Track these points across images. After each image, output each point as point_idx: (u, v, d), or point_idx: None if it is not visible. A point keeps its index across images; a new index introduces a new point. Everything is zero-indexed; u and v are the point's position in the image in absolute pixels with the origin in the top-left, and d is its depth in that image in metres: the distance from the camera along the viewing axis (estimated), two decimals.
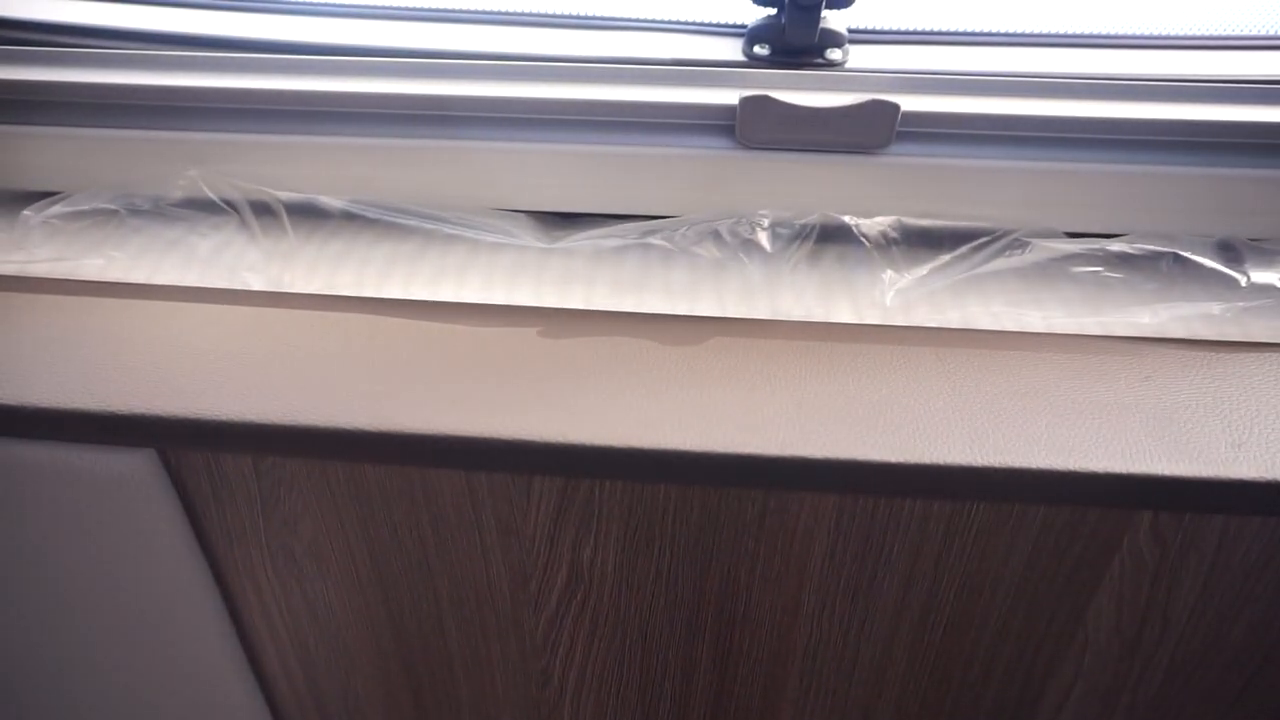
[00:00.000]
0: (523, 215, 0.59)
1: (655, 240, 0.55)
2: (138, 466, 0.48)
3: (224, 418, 0.45)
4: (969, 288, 0.54)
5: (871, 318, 0.53)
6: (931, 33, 0.59)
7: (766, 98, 0.51)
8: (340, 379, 0.48)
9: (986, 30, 0.58)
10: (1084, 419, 0.46)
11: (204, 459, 0.49)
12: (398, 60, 0.55)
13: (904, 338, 0.51)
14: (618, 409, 0.46)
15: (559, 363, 0.49)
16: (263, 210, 0.58)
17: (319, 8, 0.61)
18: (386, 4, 0.60)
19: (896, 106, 0.51)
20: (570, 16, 0.60)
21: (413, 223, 0.57)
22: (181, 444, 0.47)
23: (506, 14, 0.60)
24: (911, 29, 0.59)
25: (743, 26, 0.59)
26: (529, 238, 0.57)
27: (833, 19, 0.57)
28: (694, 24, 0.60)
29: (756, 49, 0.57)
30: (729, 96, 0.53)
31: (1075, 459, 0.43)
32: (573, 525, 0.49)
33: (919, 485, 0.43)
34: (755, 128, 0.53)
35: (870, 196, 0.55)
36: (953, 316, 0.53)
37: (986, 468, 0.43)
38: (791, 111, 0.52)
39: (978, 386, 0.48)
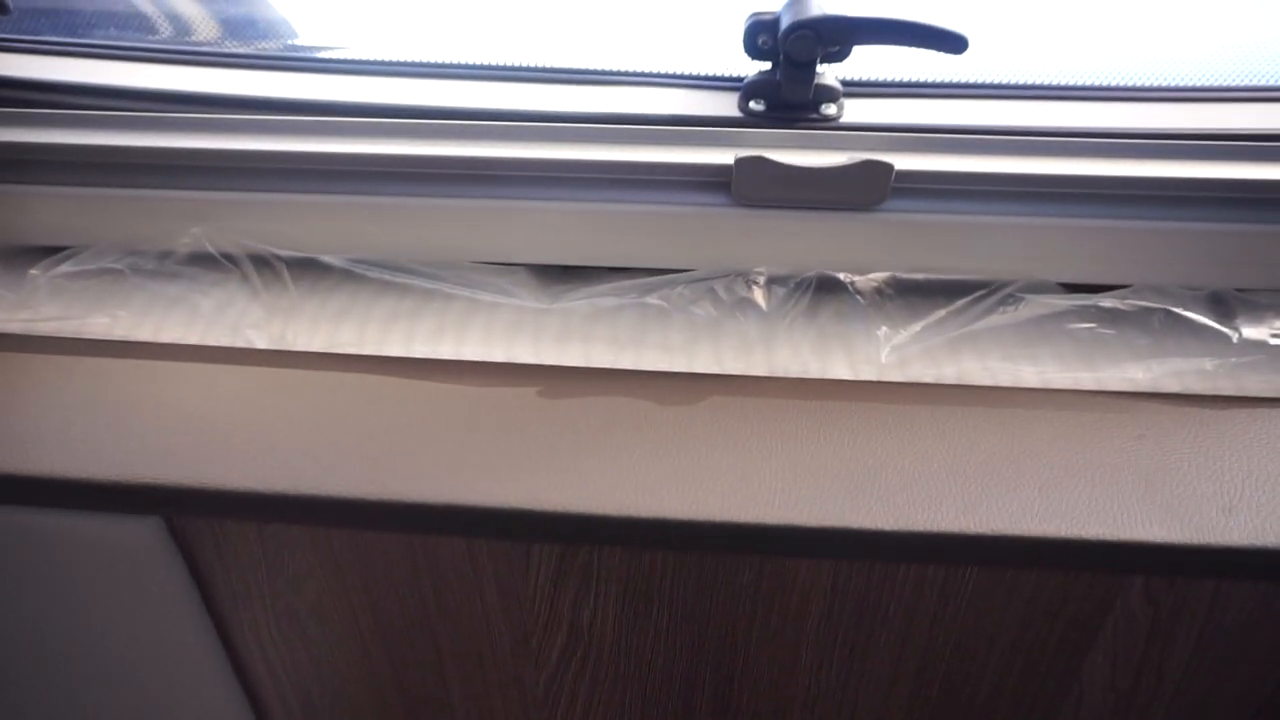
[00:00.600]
0: (521, 270, 0.60)
1: (652, 299, 0.55)
2: (144, 533, 0.49)
3: (228, 487, 0.45)
4: (964, 343, 0.54)
5: (867, 374, 0.53)
6: (925, 85, 0.59)
7: (761, 159, 0.52)
8: (342, 443, 0.48)
9: (980, 82, 0.59)
10: (1077, 481, 0.46)
11: (209, 525, 0.49)
12: (394, 121, 0.56)
13: (899, 395, 0.52)
14: (615, 474, 0.46)
15: (557, 423, 0.50)
16: (264, 267, 0.59)
17: (317, 64, 0.61)
18: (383, 60, 0.60)
19: (890, 166, 0.52)
20: (565, 71, 0.60)
21: (412, 281, 0.58)
22: (187, 512, 0.48)
23: (501, 69, 0.60)
24: (905, 80, 0.60)
25: (739, 80, 0.59)
26: (527, 295, 0.57)
27: (828, 73, 0.58)
28: (690, 78, 0.60)
29: (752, 105, 0.58)
30: (725, 156, 0.54)
31: (1068, 525, 0.43)
32: (572, 588, 0.49)
33: (914, 552, 0.44)
34: (751, 187, 0.54)
35: (865, 253, 0.55)
36: (948, 372, 0.53)
37: (981, 535, 0.43)
38: (786, 171, 0.52)
39: (972, 447, 0.48)
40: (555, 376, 0.53)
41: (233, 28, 0.63)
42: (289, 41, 0.62)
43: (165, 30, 0.62)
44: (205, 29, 0.63)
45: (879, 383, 0.53)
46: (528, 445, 0.48)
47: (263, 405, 0.51)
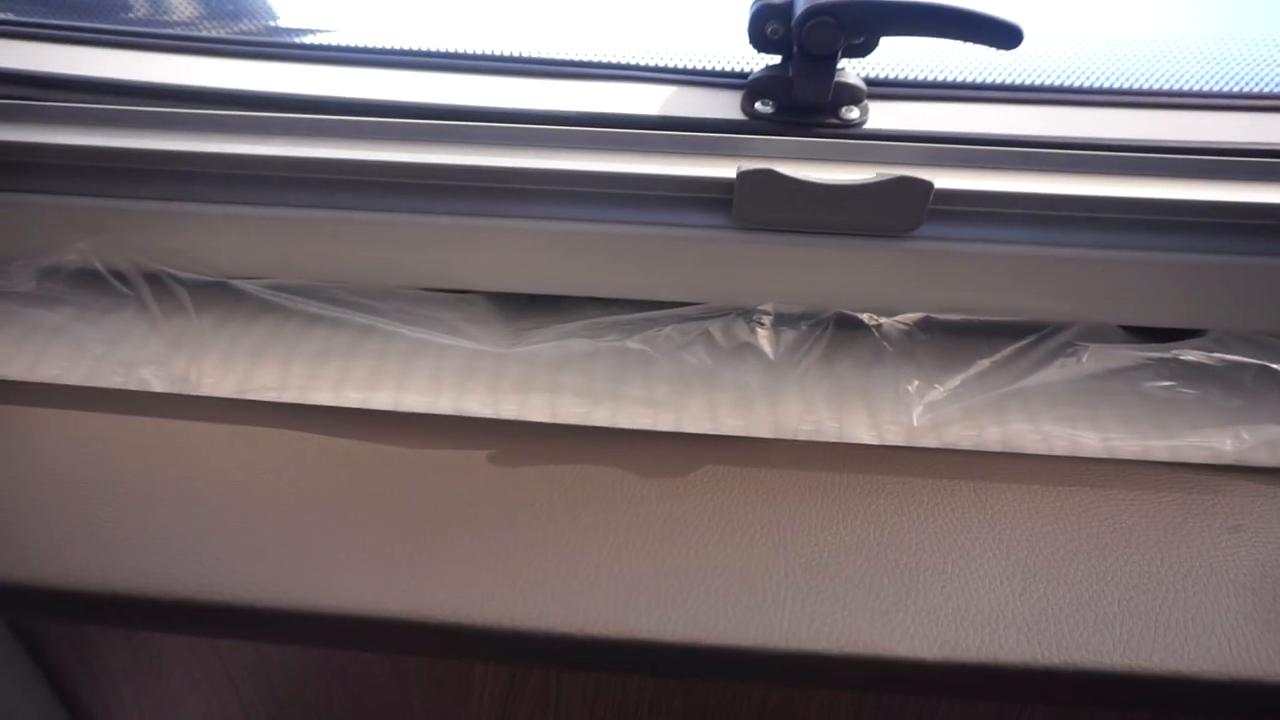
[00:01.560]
0: (478, 300, 0.50)
1: (633, 343, 0.45)
2: None
3: (85, 587, 0.35)
4: (1012, 401, 0.44)
5: (894, 438, 0.44)
6: (966, 86, 0.50)
7: (770, 172, 0.42)
8: (238, 526, 0.38)
9: (1033, 84, 0.49)
10: (1163, 589, 0.37)
11: (66, 629, 0.39)
12: (324, 119, 0.46)
13: (935, 466, 0.42)
14: (581, 574, 0.36)
15: (512, 499, 0.40)
16: (165, 292, 0.49)
17: (234, 47, 0.51)
18: (316, 45, 0.50)
19: (929, 185, 0.42)
20: (531, 62, 0.50)
21: (345, 314, 0.48)
22: (32, 613, 0.38)
23: (454, 58, 0.50)
24: (941, 80, 0.50)
25: (742, 76, 0.50)
26: (484, 334, 0.47)
27: (849, 69, 0.48)
28: (682, 72, 0.50)
29: (759, 106, 0.48)
30: (725, 168, 0.44)
31: (1160, 656, 0.34)
32: (524, 714, 0.40)
33: (960, 687, 0.34)
34: (756, 206, 0.44)
35: (894, 289, 0.46)
36: (992, 435, 0.44)
37: (1048, 669, 0.33)
38: (800, 189, 0.43)
39: (1030, 541, 0.39)
40: (513, 435, 0.44)
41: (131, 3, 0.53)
42: (204, 19, 0.52)
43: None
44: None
45: (910, 449, 0.43)
46: (472, 533, 0.38)
47: (148, 467, 0.41)
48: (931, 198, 0.43)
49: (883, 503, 0.40)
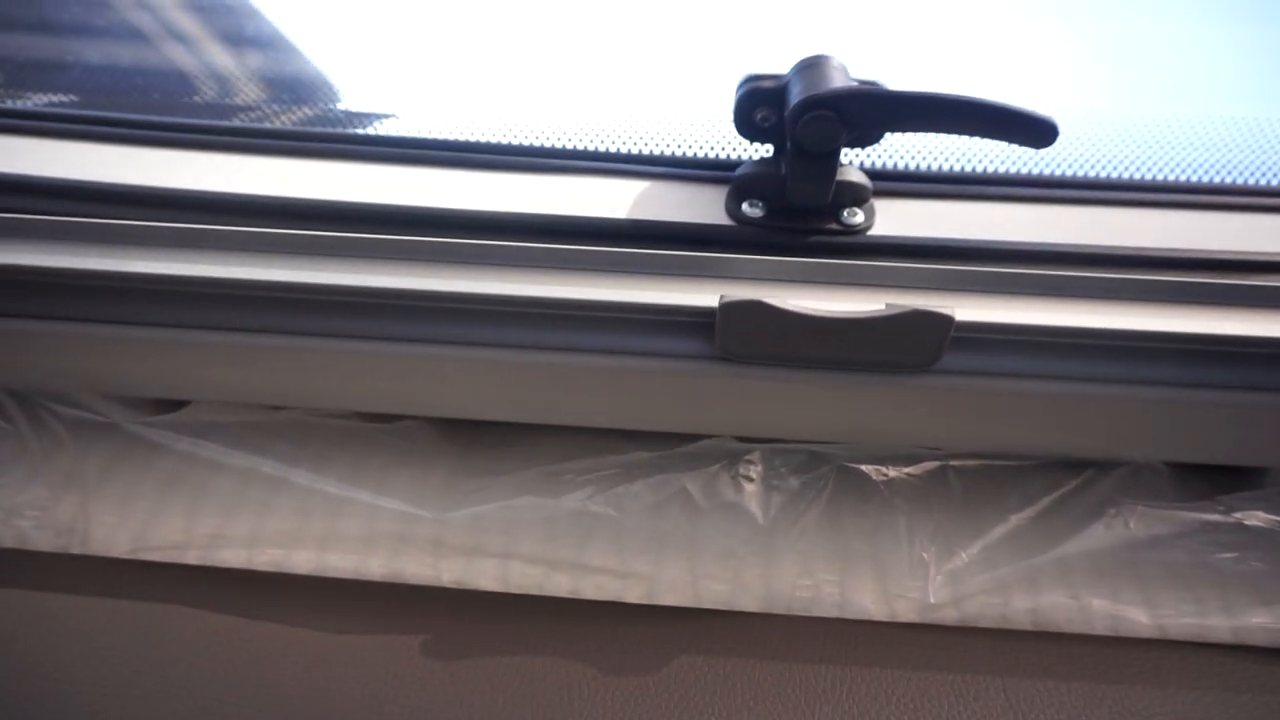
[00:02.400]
0: (416, 425, 0.43)
1: (596, 505, 0.38)
2: None
3: None
4: (1047, 569, 0.38)
5: (907, 613, 0.37)
6: (983, 180, 0.43)
7: (758, 304, 0.35)
8: None
9: (1062, 178, 0.42)
10: None
11: None
12: (223, 228, 0.38)
13: (955, 654, 0.35)
14: None
15: (445, 692, 0.33)
16: (42, 426, 0.42)
17: (130, 131, 0.43)
18: (201, 126, 0.43)
19: (949, 320, 0.35)
20: (483, 149, 0.43)
21: (257, 463, 0.41)
22: None
23: (388, 143, 0.43)
24: (956, 173, 0.43)
25: (728, 168, 0.43)
26: (419, 484, 0.40)
27: (850, 162, 0.41)
28: (659, 161, 0.44)
29: (746, 208, 0.41)
30: (705, 294, 0.37)
31: None
32: None
33: None
34: (742, 338, 0.37)
35: (904, 432, 0.39)
36: (1021, 609, 0.37)
37: None
38: (795, 322, 0.35)
39: None
40: (454, 607, 0.37)
41: None
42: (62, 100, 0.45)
43: None
44: None
45: (925, 626, 0.37)
46: None
47: (18, 658, 0.34)
48: (952, 330, 0.36)
49: (894, 696, 0.33)
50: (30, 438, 0.41)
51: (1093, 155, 0.44)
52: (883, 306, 0.36)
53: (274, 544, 0.39)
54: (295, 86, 0.47)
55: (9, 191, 0.42)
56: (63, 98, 0.47)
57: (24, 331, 0.40)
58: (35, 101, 0.46)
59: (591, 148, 0.44)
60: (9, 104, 0.46)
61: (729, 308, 0.35)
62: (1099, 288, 0.37)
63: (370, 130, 0.44)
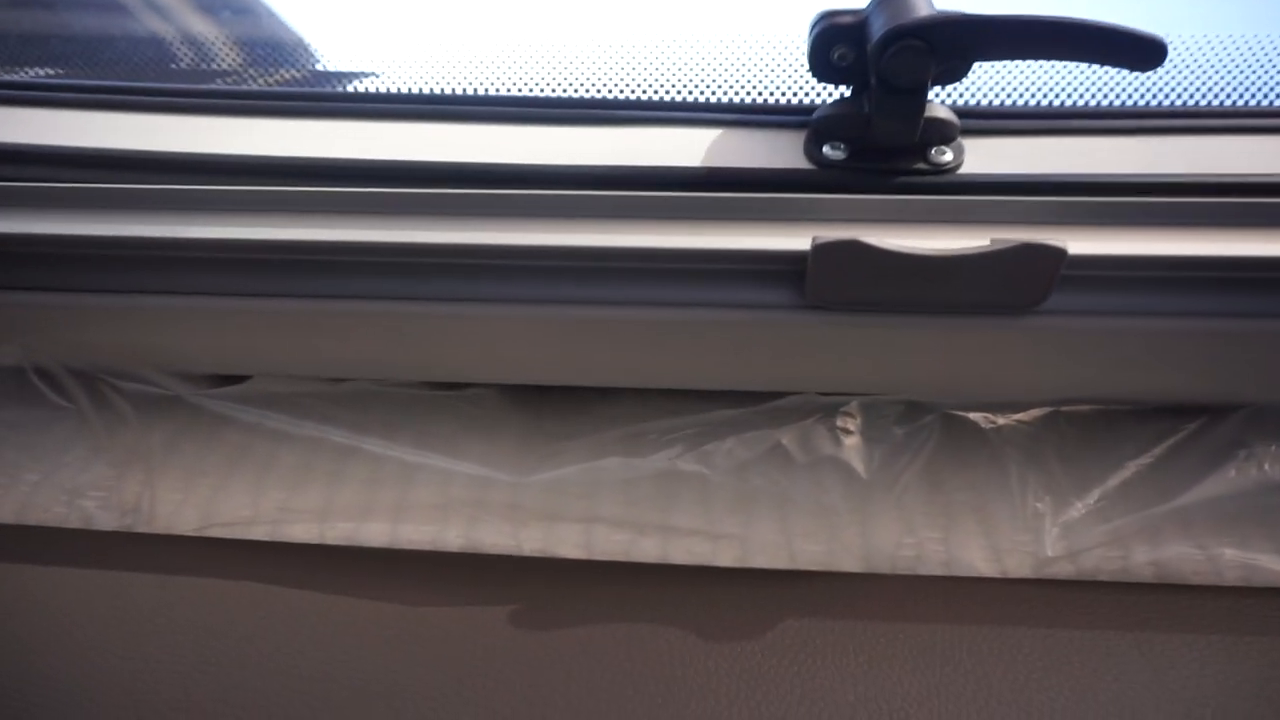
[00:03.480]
0: (487, 393, 0.41)
1: (684, 464, 0.36)
2: None
3: None
4: (1168, 518, 0.35)
5: (1020, 568, 0.35)
6: (1079, 114, 0.40)
7: (854, 244, 0.33)
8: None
9: (1169, 108, 0.40)
10: None
11: None
12: (290, 189, 0.37)
13: (1076, 610, 0.33)
14: None
15: (531, 667, 0.31)
16: (105, 403, 0.40)
17: (190, 100, 0.42)
18: (267, 93, 0.41)
19: (1061, 252, 0.33)
20: (550, 104, 0.41)
21: (325, 432, 0.39)
22: None
23: (460, 102, 0.41)
24: (1048, 108, 0.41)
25: (805, 112, 0.40)
26: (494, 448, 0.38)
27: (937, 99, 0.39)
28: (729, 109, 0.41)
29: (828, 150, 0.39)
30: (794, 238, 0.35)
31: None
32: None
33: None
34: (835, 283, 0.35)
35: (1012, 378, 0.36)
36: (1142, 561, 0.34)
37: None
38: (893, 262, 0.33)
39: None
40: (536, 576, 0.35)
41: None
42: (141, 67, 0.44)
43: None
44: None
45: (1041, 583, 0.34)
46: (489, 709, 0.29)
47: (81, 645, 0.33)
48: (1063, 266, 0.33)
49: (1017, 666, 0.31)
50: (92, 416, 0.40)
51: (1188, 83, 0.41)
52: (987, 243, 0.33)
53: (345, 517, 0.37)
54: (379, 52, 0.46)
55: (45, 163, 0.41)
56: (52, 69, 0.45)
57: (82, 306, 0.39)
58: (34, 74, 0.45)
59: (661, 98, 0.42)
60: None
61: (822, 249, 0.33)
62: (1218, 214, 0.34)
63: (437, 90, 0.42)
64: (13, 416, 0.41)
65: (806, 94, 0.42)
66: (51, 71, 0.45)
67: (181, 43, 0.47)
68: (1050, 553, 0.34)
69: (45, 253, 0.38)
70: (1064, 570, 0.34)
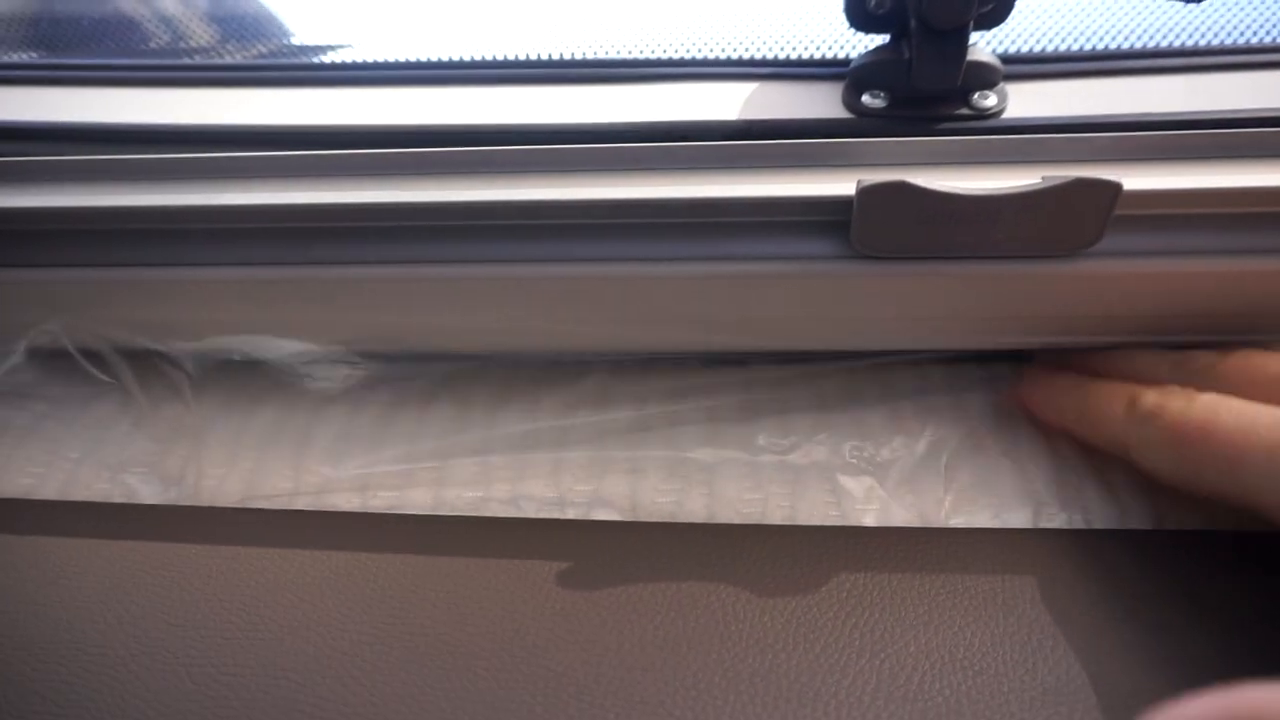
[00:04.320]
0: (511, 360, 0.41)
1: (728, 428, 0.35)
2: None
3: None
4: None
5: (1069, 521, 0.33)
6: (1127, 55, 0.39)
7: (903, 185, 0.32)
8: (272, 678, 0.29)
9: (1221, 46, 0.39)
10: None
11: None
12: (313, 153, 0.36)
13: (1145, 559, 0.32)
14: None
15: (574, 638, 0.31)
16: (154, 376, 0.40)
17: (234, 74, 0.42)
18: (328, 63, 0.41)
19: (1116, 187, 0.32)
20: (578, 65, 0.41)
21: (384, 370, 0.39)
22: None
23: (498, 66, 0.41)
24: (1094, 50, 0.40)
25: (842, 64, 0.40)
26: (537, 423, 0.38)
27: (979, 45, 0.38)
28: (762, 64, 0.41)
29: (867, 99, 0.38)
30: (837, 183, 0.34)
31: None
32: None
33: None
34: (883, 230, 0.34)
35: (1067, 320, 0.35)
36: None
37: None
38: (943, 204, 0.32)
39: None
40: (582, 537, 0.34)
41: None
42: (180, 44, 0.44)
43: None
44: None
45: (1098, 532, 0.33)
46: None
47: (126, 624, 0.33)
48: (1118, 203, 0.32)
49: (1082, 610, 0.30)
50: (136, 391, 0.40)
51: (1237, 20, 0.40)
52: (1038, 180, 0.32)
53: (386, 486, 0.37)
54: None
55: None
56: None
57: (120, 281, 0.38)
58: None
59: (688, 56, 0.41)
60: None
61: (869, 192, 0.32)
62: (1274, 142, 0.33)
63: (458, 57, 0.42)
64: (55, 393, 0.41)
65: (844, 49, 0.41)
66: (45, 53, 0.45)
67: (161, 21, 0.47)
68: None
69: (78, 228, 0.38)
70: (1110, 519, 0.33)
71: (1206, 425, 0.30)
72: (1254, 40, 0.39)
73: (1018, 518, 0.34)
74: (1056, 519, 0.34)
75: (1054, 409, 0.36)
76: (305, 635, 0.31)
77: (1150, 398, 0.32)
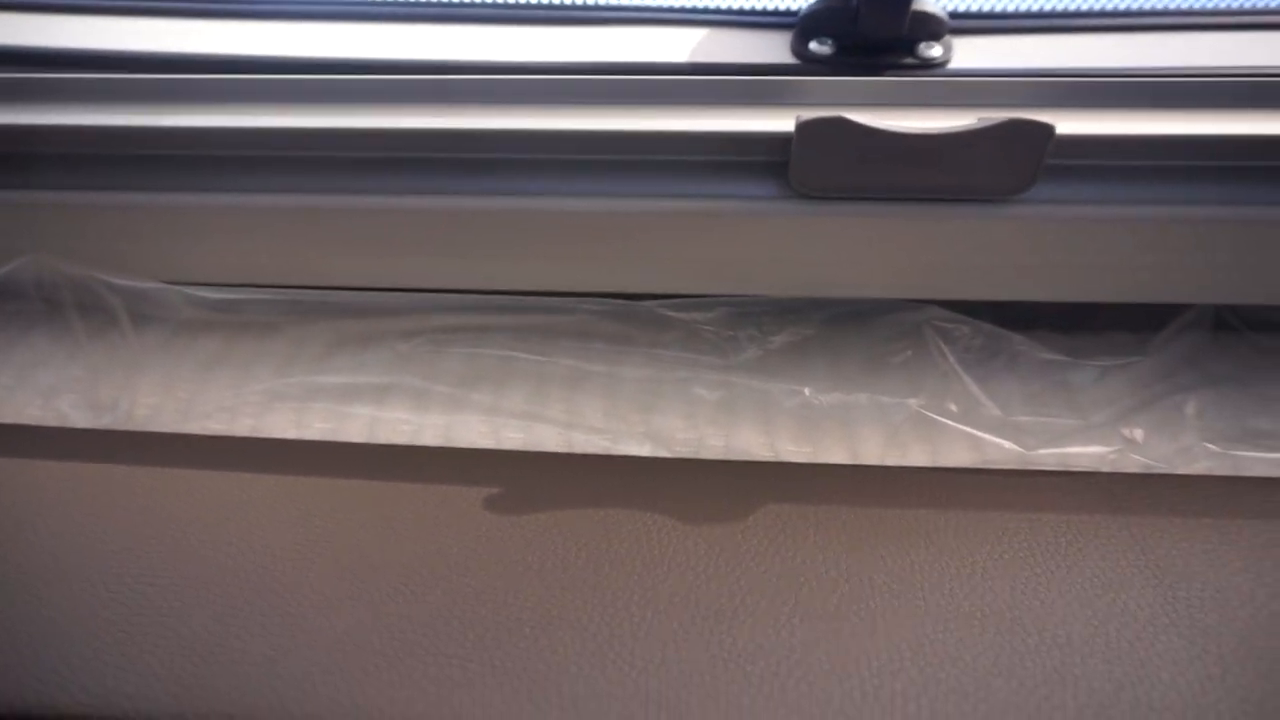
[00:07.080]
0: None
1: (667, 370, 0.36)
2: None
3: None
4: (1169, 416, 0.34)
5: (1006, 460, 0.34)
6: (1072, 15, 0.40)
7: (840, 121, 0.32)
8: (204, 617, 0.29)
9: (1158, 8, 0.39)
10: None
11: None
12: (297, 77, 0.36)
13: (1061, 494, 0.32)
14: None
15: (500, 560, 0.31)
16: (96, 306, 0.40)
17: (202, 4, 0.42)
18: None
19: (1048, 129, 0.32)
20: (539, 8, 0.41)
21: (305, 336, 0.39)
22: None
23: (454, 5, 0.41)
24: (1040, 9, 0.40)
25: (790, 13, 0.40)
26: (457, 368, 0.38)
27: None
28: (714, 12, 0.41)
29: (814, 46, 0.38)
30: (778, 119, 0.34)
31: None
32: None
33: None
34: (821, 168, 0.34)
35: (996, 274, 0.36)
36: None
37: None
38: (881, 142, 0.33)
39: None
40: (514, 470, 0.34)
41: None
42: None
43: None
44: None
45: (1023, 473, 0.33)
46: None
47: (60, 527, 0.32)
48: (1051, 146, 0.33)
49: (1000, 543, 0.30)
50: (76, 321, 0.39)
51: None
52: (974, 121, 0.33)
53: (324, 419, 0.37)
54: None
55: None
56: None
57: (75, 205, 0.38)
58: None
59: (648, 3, 0.41)
60: None
61: (807, 126, 0.33)
62: (1207, 94, 0.34)
63: None
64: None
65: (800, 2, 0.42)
66: None
67: None
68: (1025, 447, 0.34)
69: (26, 151, 0.37)
70: (1047, 461, 0.34)
71: None
72: (1197, 6, 0.40)
73: None
74: None
75: None
76: (229, 551, 0.31)
77: None
